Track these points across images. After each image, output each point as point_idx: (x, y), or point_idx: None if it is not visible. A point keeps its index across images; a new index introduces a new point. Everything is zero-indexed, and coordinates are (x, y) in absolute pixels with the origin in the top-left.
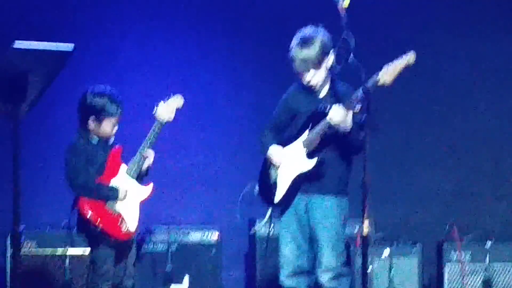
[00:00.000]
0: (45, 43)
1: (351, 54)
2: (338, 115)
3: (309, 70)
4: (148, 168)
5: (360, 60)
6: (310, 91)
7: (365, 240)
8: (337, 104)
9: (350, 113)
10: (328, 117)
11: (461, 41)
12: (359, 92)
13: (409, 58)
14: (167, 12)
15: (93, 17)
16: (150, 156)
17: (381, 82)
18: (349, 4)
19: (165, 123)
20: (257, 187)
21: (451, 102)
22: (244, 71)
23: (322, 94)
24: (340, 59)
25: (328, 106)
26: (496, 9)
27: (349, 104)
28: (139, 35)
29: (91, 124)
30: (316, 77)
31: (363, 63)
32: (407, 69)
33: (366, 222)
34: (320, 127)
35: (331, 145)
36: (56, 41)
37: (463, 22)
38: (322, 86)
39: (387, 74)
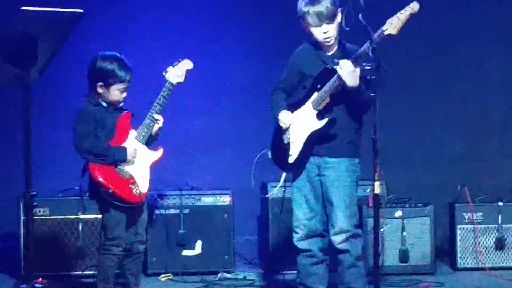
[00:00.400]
0: (53, 8)
1: (360, 14)
2: (347, 68)
3: (321, 25)
4: (157, 133)
5: (369, 21)
6: (318, 49)
7: (377, 201)
8: (345, 59)
9: (358, 69)
10: (337, 68)
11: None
12: (366, 45)
13: (413, 7)
14: None
15: None
16: (159, 121)
17: (386, 33)
18: None
19: (175, 85)
20: (269, 152)
21: (460, 63)
22: (253, 35)
23: (331, 52)
24: (349, 19)
25: (336, 66)
26: None
27: (357, 58)
28: (149, 2)
29: (100, 89)
30: (330, 31)
31: (372, 24)
32: (417, 29)
33: (377, 183)
34: (329, 85)
35: (341, 106)
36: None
37: None
38: (333, 42)
39: (392, 25)
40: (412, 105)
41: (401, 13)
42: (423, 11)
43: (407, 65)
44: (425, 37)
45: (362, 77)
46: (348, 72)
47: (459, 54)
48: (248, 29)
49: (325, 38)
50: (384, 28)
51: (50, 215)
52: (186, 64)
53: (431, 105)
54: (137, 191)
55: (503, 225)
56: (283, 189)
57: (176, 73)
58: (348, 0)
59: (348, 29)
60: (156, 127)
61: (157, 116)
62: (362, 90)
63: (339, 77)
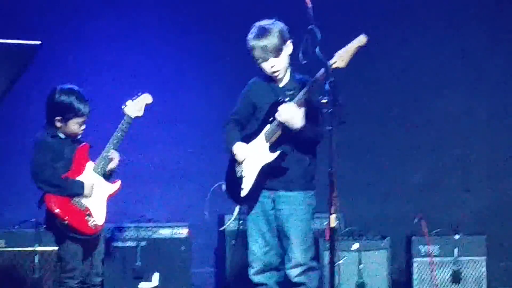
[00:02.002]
0: (11, 40)
1: (317, 47)
2: (287, 113)
3: (268, 59)
4: (112, 170)
5: (326, 53)
6: (270, 82)
7: (332, 234)
8: (287, 103)
9: (302, 110)
10: (276, 115)
11: (429, 33)
12: (309, 84)
13: (360, 39)
14: (133, 10)
15: (61, 17)
16: (115, 158)
17: (334, 66)
18: None
19: (134, 119)
20: (224, 184)
21: (419, 96)
22: (212, 67)
23: (282, 84)
24: (306, 53)
25: (288, 99)
26: (469, 5)
27: (299, 100)
28: (107, 34)
29: (58, 123)
30: (277, 65)
31: (328, 56)
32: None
33: (333, 217)
34: (277, 121)
35: (293, 139)
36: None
37: (420, 16)
38: (282, 75)
39: (341, 57)
40: (371, 136)
41: (349, 46)
42: (378, 44)
43: (366, 97)
44: (387, 68)
45: (318, 111)
46: (288, 116)
47: (421, 86)
48: (206, 61)
49: (273, 72)
50: (332, 61)
51: (6, 247)
52: (146, 99)
53: (390, 137)
54: (93, 223)
55: (459, 258)
56: (239, 222)
57: (135, 107)
58: (305, 33)
59: (305, 62)
60: (112, 164)
61: (112, 154)
62: (308, 129)
63: (279, 123)
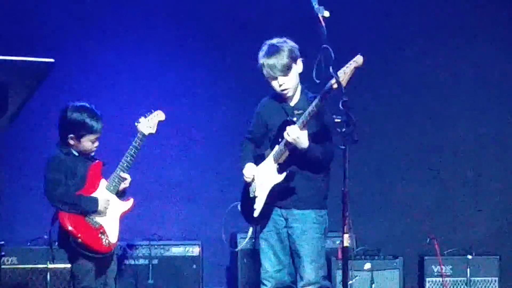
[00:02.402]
0: (24, 57)
1: (331, 66)
2: (294, 133)
3: (277, 78)
4: (124, 190)
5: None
6: (281, 100)
7: (345, 253)
8: (292, 125)
9: (305, 132)
10: (284, 134)
11: (439, 52)
12: (311, 107)
13: (357, 60)
14: (145, 27)
15: (73, 33)
16: (126, 180)
17: (335, 87)
18: (329, 15)
19: (147, 136)
20: (239, 205)
21: (432, 116)
22: (225, 84)
23: (293, 102)
24: (320, 71)
25: (296, 118)
26: (479, 17)
27: (302, 122)
28: (119, 51)
29: (71, 141)
30: (286, 84)
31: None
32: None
33: (346, 236)
34: (284, 141)
35: (302, 158)
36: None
37: (441, 30)
38: (292, 94)
39: (340, 78)
40: (385, 156)
41: (347, 67)
42: (392, 60)
43: (379, 117)
44: (399, 88)
45: (329, 130)
46: (294, 137)
47: (432, 108)
48: (220, 80)
49: (282, 90)
50: (332, 82)
51: (18, 264)
52: (159, 116)
53: (402, 157)
54: (107, 241)
55: (471, 278)
56: (253, 241)
57: (148, 124)
58: (319, 52)
59: (319, 81)
60: (123, 186)
61: (123, 175)
62: (313, 149)
63: (287, 143)
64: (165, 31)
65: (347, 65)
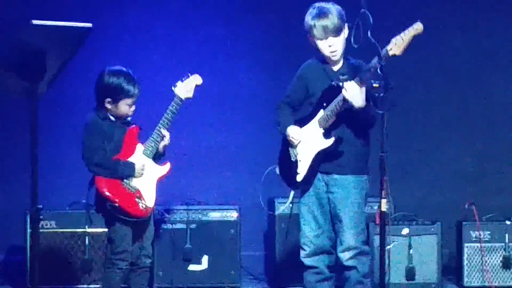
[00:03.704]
0: (63, 22)
1: (369, 31)
2: (352, 90)
3: (328, 38)
4: (164, 149)
5: (377, 38)
6: (325, 64)
7: (383, 219)
8: (350, 81)
9: (363, 89)
10: (342, 91)
11: (479, 22)
12: (371, 65)
13: (416, 27)
14: None
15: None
16: (166, 137)
17: (391, 53)
18: None
19: (184, 100)
20: (277, 168)
21: (469, 80)
22: (263, 50)
23: (337, 67)
24: (358, 36)
25: (342, 83)
26: None
27: (361, 78)
28: (158, 15)
29: (108, 105)
30: (335, 45)
31: (380, 41)
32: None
33: (384, 201)
34: (334, 105)
35: (347, 123)
36: (72, 21)
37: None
38: (338, 57)
39: (396, 45)
40: (421, 122)
41: (405, 34)
42: (433, 31)
43: (416, 83)
44: (436, 57)
45: (370, 95)
46: (353, 93)
47: (469, 74)
48: (257, 44)
49: (331, 52)
50: (388, 47)
51: (56, 228)
52: (196, 80)
53: (440, 123)
54: (143, 206)
55: (510, 243)
56: (291, 206)
57: (185, 88)
58: (357, 17)
59: (356, 46)
60: (162, 143)
61: (164, 132)
62: (368, 108)
63: (345, 99)
64: None
65: (405, 31)
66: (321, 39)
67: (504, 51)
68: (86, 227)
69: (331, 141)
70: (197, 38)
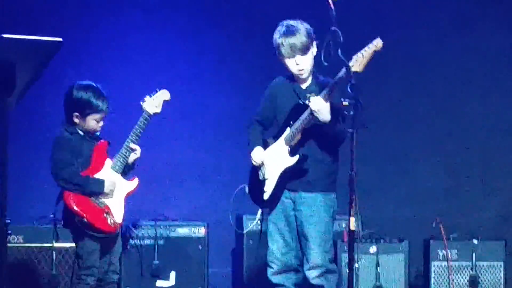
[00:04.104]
0: (33, 36)
1: (339, 49)
2: (318, 104)
3: (295, 56)
4: (134, 162)
5: (347, 56)
6: (293, 82)
7: (352, 237)
8: (316, 96)
9: (328, 104)
10: (310, 104)
11: (452, 38)
12: (337, 78)
13: (376, 44)
14: (154, 5)
15: (80, 12)
16: (137, 151)
17: (352, 69)
18: None
19: (152, 115)
20: (246, 187)
21: (441, 100)
22: (233, 66)
23: (305, 85)
24: (327, 54)
25: (308, 101)
26: (489, 5)
27: (327, 93)
28: (127, 29)
29: (76, 119)
30: (303, 63)
31: (350, 59)
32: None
33: (353, 219)
34: (300, 122)
35: (315, 140)
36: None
37: (453, 18)
38: (306, 75)
39: (357, 61)
40: (390, 139)
41: (365, 50)
42: (405, 48)
43: (386, 100)
44: (407, 72)
45: (339, 112)
46: (319, 107)
47: (441, 92)
48: (228, 60)
49: (299, 70)
50: (350, 64)
51: (23, 243)
52: (164, 95)
53: (410, 141)
54: (112, 221)
55: (477, 263)
56: (261, 224)
57: (153, 103)
58: (327, 35)
59: (326, 64)
60: (133, 157)
61: (133, 146)
62: (334, 124)
63: (311, 113)
64: (174, 11)
65: (365, 48)
66: (289, 57)
67: (478, 68)
68: (53, 242)
69: (295, 158)
70: (168, 53)
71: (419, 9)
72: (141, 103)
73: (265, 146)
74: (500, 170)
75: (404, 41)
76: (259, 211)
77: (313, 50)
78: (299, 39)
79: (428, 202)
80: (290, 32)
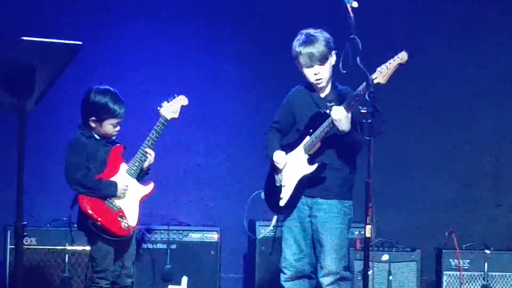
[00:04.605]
0: (53, 40)
1: (358, 57)
2: (339, 115)
3: (313, 66)
4: (148, 168)
5: (367, 63)
6: (312, 91)
7: (367, 244)
8: (338, 106)
9: (349, 114)
10: (331, 113)
11: (463, 48)
12: (358, 91)
13: (401, 57)
14: (172, 12)
15: (99, 16)
16: (151, 156)
17: (376, 81)
18: (358, 5)
19: (169, 120)
20: (262, 193)
21: (453, 108)
22: (248, 72)
23: (324, 94)
24: (346, 62)
25: (329, 110)
26: (499, 12)
27: (349, 103)
28: (146, 34)
29: (93, 124)
30: (321, 73)
31: (369, 66)
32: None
33: (369, 227)
34: (320, 131)
35: (333, 148)
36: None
37: (467, 25)
38: (325, 85)
39: (381, 74)
40: (404, 148)
41: (390, 63)
42: (418, 56)
43: (401, 109)
44: (420, 83)
45: (356, 121)
46: (340, 117)
47: (454, 101)
48: (244, 67)
49: (317, 80)
50: (373, 76)
51: (37, 245)
52: (181, 100)
53: (423, 150)
54: (126, 225)
55: (489, 273)
56: (275, 230)
57: (171, 108)
58: (346, 43)
59: (345, 72)
60: (147, 162)
61: (148, 151)
62: (353, 133)
63: (332, 122)
64: (191, 16)
65: (390, 60)
66: (307, 67)
67: (490, 77)
68: (66, 244)
69: (314, 167)
70: (185, 60)
71: (435, 19)
72: (158, 108)
73: (286, 151)
74: None
75: (421, 50)
76: (275, 218)
77: (332, 59)
78: (318, 49)
79: (440, 211)
80: (309, 41)
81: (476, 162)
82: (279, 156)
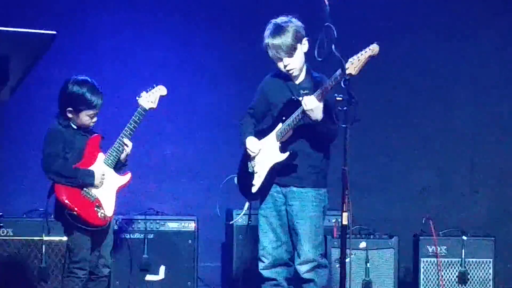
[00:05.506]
0: (27, 29)
1: (333, 45)
2: (311, 104)
3: (282, 58)
4: (126, 159)
5: (342, 52)
6: (286, 78)
7: (344, 232)
8: (310, 95)
9: (321, 104)
10: (302, 104)
11: (440, 37)
12: (331, 80)
13: (372, 49)
14: (151, 1)
15: (76, 5)
16: (128, 147)
17: (347, 72)
18: None
19: (147, 110)
20: (235, 178)
21: (429, 96)
22: (225, 62)
23: (298, 81)
24: (321, 50)
25: (301, 98)
26: (478, 8)
27: (320, 94)
28: (124, 23)
29: (69, 114)
30: (291, 64)
31: (345, 54)
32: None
33: (345, 214)
34: (292, 119)
35: (306, 137)
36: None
37: (444, 15)
38: (298, 73)
39: (353, 65)
40: (380, 136)
41: (362, 54)
42: (397, 47)
43: (377, 97)
44: (397, 70)
45: (330, 109)
46: (312, 107)
47: (432, 89)
48: (217, 55)
49: (287, 70)
50: (346, 66)
51: (13, 236)
52: (160, 90)
53: (400, 137)
54: (102, 215)
55: (466, 259)
56: (248, 217)
57: (149, 98)
58: (322, 30)
59: (320, 59)
60: (125, 153)
61: (126, 141)
62: (327, 122)
63: (303, 112)
64: (170, 6)
65: (361, 52)
66: (276, 59)
67: (467, 68)
68: (43, 235)
69: (285, 155)
70: (161, 47)
71: (412, 8)
72: (137, 98)
73: (260, 137)
74: (489, 167)
75: (397, 39)
76: (246, 204)
77: (304, 47)
78: (285, 41)
79: (417, 198)
80: (276, 33)
81: (453, 149)
82: (251, 143)
